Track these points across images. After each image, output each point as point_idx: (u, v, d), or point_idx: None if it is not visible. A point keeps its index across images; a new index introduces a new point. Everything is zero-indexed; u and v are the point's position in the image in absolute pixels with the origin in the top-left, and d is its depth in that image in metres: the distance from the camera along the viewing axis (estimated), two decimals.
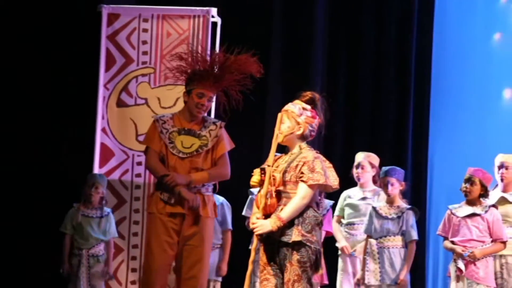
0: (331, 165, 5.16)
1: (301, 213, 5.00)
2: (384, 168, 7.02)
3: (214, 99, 6.22)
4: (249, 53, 6.00)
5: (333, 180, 5.08)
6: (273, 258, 5.07)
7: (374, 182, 7.40)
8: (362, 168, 7.38)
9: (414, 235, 6.85)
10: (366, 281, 6.89)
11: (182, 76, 6.16)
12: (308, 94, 5.20)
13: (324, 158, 5.11)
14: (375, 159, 7.40)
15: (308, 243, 4.97)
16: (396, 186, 6.92)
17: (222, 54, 6.04)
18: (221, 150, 6.05)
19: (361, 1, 8.99)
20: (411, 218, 6.88)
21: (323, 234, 6.86)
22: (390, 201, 6.95)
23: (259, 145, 8.24)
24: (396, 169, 7.00)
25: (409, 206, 6.95)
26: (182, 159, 5.95)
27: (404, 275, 6.79)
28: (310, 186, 4.99)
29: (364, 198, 7.35)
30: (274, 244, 5.04)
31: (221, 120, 6.16)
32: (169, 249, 5.93)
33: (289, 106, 5.16)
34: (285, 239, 4.97)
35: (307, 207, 5.02)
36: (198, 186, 5.96)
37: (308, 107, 5.15)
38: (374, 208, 6.98)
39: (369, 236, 6.94)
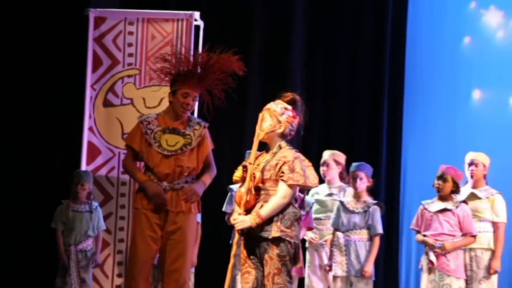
0: (310, 164, 5.20)
1: (281, 210, 5.05)
2: (354, 163, 7.07)
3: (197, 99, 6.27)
4: (230, 52, 6.06)
5: (313, 179, 5.13)
6: (254, 252, 5.12)
7: (341, 178, 7.45)
8: (327, 166, 7.41)
9: (379, 229, 6.91)
10: (333, 272, 6.96)
11: (166, 77, 6.21)
12: (290, 95, 5.25)
13: (303, 158, 5.16)
14: (341, 157, 7.45)
15: (287, 238, 5.02)
16: (364, 181, 6.97)
17: (205, 54, 6.08)
18: (206, 149, 6.13)
19: (339, 8, 9.07)
20: (377, 213, 6.93)
21: (305, 230, 6.94)
22: (357, 196, 7.01)
23: (238, 143, 8.31)
24: (365, 165, 7.05)
25: (375, 201, 7.01)
26: (167, 156, 6.00)
27: (369, 267, 6.83)
28: (290, 186, 5.04)
29: (330, 194, 7.38)
30: (254, 238, 5.09)
31: (205, 121, 6.22)
32: (153, 243, 5.99)
33: (271, 105, 5.21)
34: (265, 234, 5.03)
35: (287, 204, 5.07)
36: (182, 183, 6.04)
37: (289, 107, 5.20)
38: (341, 202, 7.04)
39: (336, 229, 7.00)
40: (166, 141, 6.02)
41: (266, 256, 5.03)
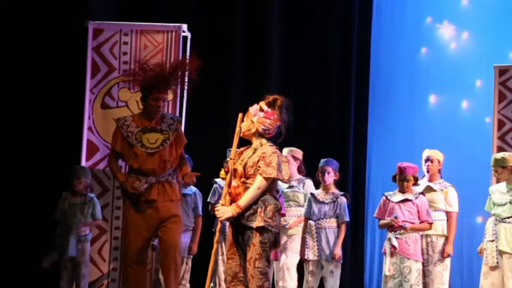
0: (286, 160, 5.31)
1: (263, 202, 5.13)
2: (323, 160, 7.12)
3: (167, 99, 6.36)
4: (187, 55, 6.13)
5: (285, 173, 5.21)
6: (238, 239, 5.23)
7: (299, 172, 7.42)
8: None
9: (346, 217, 7.00)
10: (305, 257, 7.00)
11: (137, 86, 6.30)
12: (270, 97, 5.28)
13: (280, 153, 5.24)
14: (298, 153, 7.43)
15: (269, 227, 5.12)
16: (331, 175, 7.04)
17: (165, 63, 6.14)
18: (183, 141, 6.21)
19: (310, 21, 9.16)
20: (344, 203, 7.00)
21: None
22: (325, 189, 7.07)
23: (223, 140, 8.20)
24: (332, 160, 7.11)
25: (342, 193, 7.08)
26: (151, 154, 6.05)
27: (338, 250, 6.91)
28: (265, 178, 5.12)
29: (291, 186, 7.32)
30: (240, 227, 5.20)
31: (177, 116, 6.32)
32: (144, 232, 6.05)
33: (250, 108, 5.29)
34: (250, 224, 5.12)
35: (269, 196, 5.16)
36: (166, 175, 6.08)
37: (266, 108, 5.24)
38: (312, 194, 7.08)
39: (308, 219, 7.05)
40: (147, 140, 6.06)
41: (249, 243, 5.12)
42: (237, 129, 5.26)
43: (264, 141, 5.23)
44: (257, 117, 5.21)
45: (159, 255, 6.34)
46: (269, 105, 5.26)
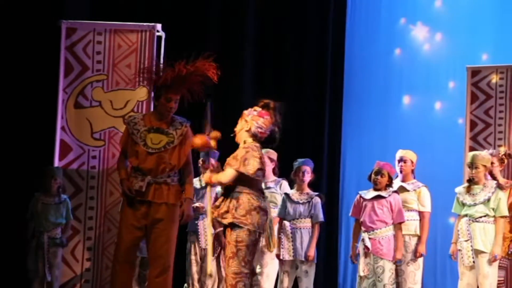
0: (258, 156, 5.27)
1: (237, 200, 5.17)
2: (300, 159, 7.13)
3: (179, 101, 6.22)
4: (206, 59, 6.05)
5: (250, 168, 5.19)
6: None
7: (274, 173, 7.41)
8: None
9: (321, 217, 7.02)
10: (281, 257, 6.99)
11: (151, 84, 6.23)
12: (264, 101, 5.38)
13: (255, 150, 5.25)
14: (273, 154, 7.38)
15: (241, 225, 5.12)
16: (309, 174, 7.05)
17: (183, 64, 6.05)
18: (188, 147, 6.12)
19: (285, 23, 9.17)
20: (318, 203, 7.01)
21: None
22: (300, 189, 7.07)
23: None
24: (309, 160, 7.14)
25: (316, 193, 7.09)
26: (151, 154, 5.99)
27: (312, 251, 6.91)
28: (233, 169, 5.24)
29: (268, 188, 7.27)
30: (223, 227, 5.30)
31: (187, 120, 6.23)
32: (137, 231, 5.97)
33: (245, 111, 5.40)
34: (223, 221, 5.20)
35: (244, 194, 5.19)
36: (164, 177, 6.01)
37: (259, 109, 5.33)
38: (287, 194, 7.08)
39: (282, 219, 7.04)
40: (151, 140, 5.99)
41: (226, 241, 5.20)
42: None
43: (249, 140, 5.27)
44: (251, 115, 5.29)
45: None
46: (263, 107, 5.35)
